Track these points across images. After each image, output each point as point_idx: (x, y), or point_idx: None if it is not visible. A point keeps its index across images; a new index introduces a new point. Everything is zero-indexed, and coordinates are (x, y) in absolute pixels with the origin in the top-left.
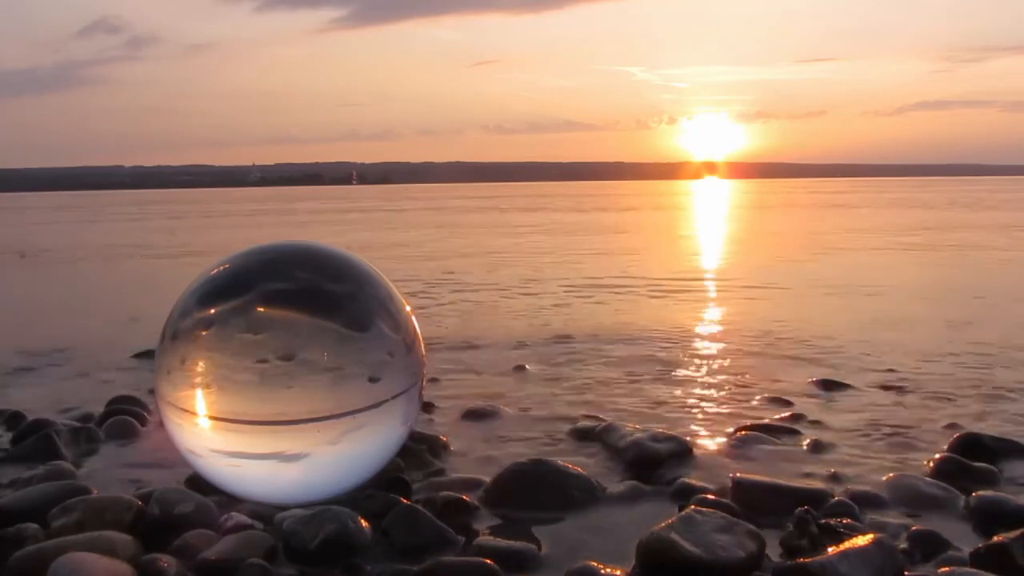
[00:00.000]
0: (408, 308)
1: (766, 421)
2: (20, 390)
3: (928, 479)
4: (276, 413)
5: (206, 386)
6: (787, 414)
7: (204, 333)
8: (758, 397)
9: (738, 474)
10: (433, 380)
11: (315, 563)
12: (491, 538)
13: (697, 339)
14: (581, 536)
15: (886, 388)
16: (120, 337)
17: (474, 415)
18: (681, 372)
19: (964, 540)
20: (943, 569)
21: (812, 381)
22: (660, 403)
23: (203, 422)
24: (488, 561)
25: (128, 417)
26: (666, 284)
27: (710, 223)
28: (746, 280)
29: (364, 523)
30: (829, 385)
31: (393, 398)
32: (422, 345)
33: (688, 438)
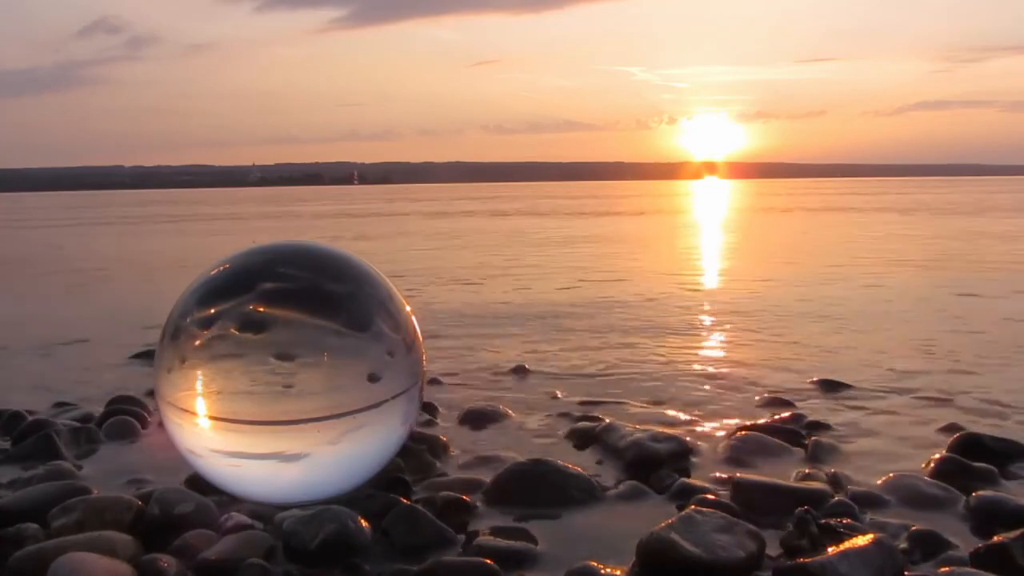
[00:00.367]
0: (408, 308)
1: (766, 421)
2: (20, 390)
3: (928, 479)
4: (276, 413)
5: (206, 386)
6: (787, 414)
7: (204, 333)
8: (758, 397)
9: (738, 474)
10: (433, 380)
11: (315, 563)
12: (491, 538)
13: (697, 339)
14: (581, 536)
15: (886, 388)
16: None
17: (474, 415)
18: (681, 372)
19: (964, 540)
20: (943, 569)
21: (812, 381)
22: (660, 403)
23: (203, 422)
24: (488, 561)
25: (128, 417)
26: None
27: (735, 234)
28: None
29: (364, 523)
30: (829, 385)
31: (393, 398)
32: (422, 345)
33: (688, 438)
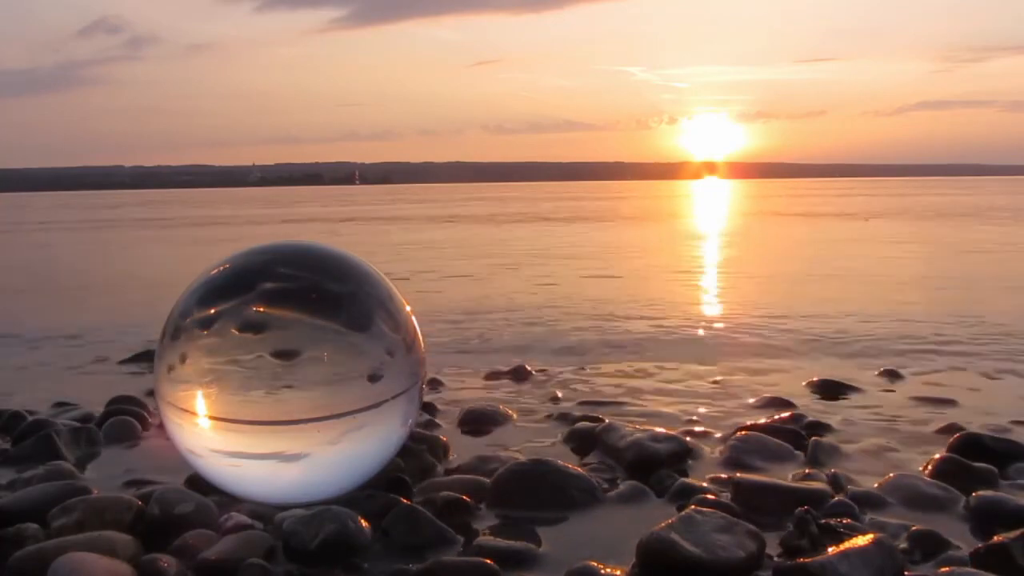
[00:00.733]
0: (408, 308)
1: (766, 421)
2: (20, 391)
3: (928, 479)
4: (276, 413)
5: (206, 386)
6: (787, 414)
7: (204, 332)
8: (758, 397)
9: (738, 474)
10: (433, 381)
11: (315, 563)
12: (491, 538)
13: (697, 339)
14: (581, 536)
15: (886, 388)
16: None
17: (474, 415)
18: (681, 372)
19: (964, 540)
20: (943, 569)
21: (812, 381)
22: (660, 403)
23: (203, 422)
24: (488, 561)
25: (128, 417)
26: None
27: (741, 243)
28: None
29: (364, 523)
30: (829, 385)
31: (393, 398)
32: (422, 345)
33: (688, 438)
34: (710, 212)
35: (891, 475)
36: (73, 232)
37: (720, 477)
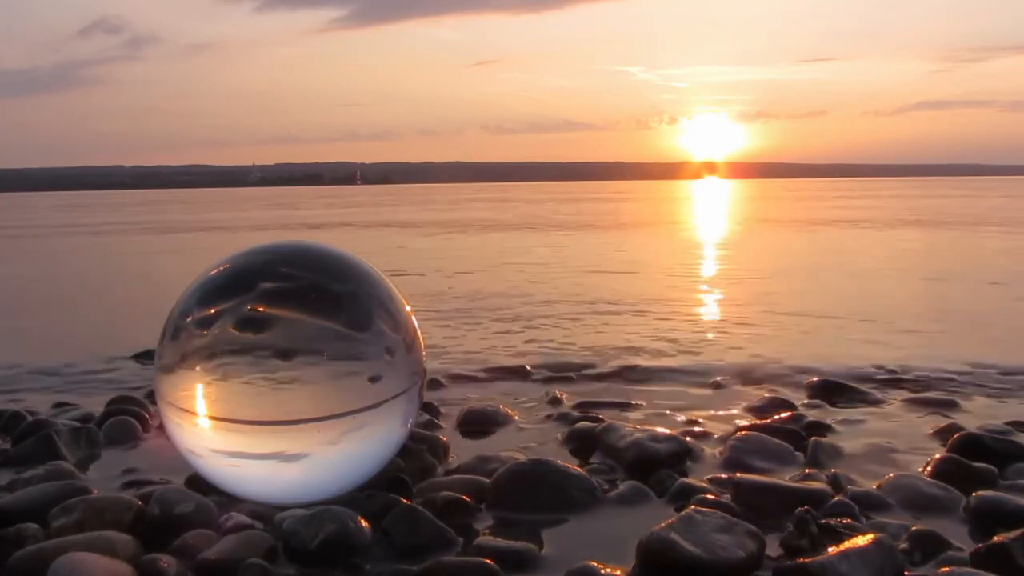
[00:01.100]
0: (408, 308)
1: (766, 421)
2: (20, 391)
3: (928, 479)
4: (276, 413)
5: (206, 386)
6: (787, 414)
7: (204, 332)
8: (758, 397)
9: (738, 474)
10: (433, 381)
11: (315, 563)
12: (491, 538)
13: (698, 339)
14: (581, 536)
15: (886, 388)
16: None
17: (474, 415)
18: (681, 373)
19: (964, 540)
20: (943, 569)
21: (812, 381)
22: (660, 403)
23: (203, 422)
24: (488, 561)
25: (128, 417)
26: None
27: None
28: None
29: (364, 523)
30: (829, 385)
31: (393, 398)
32: (422, 345)
33: (688, 438)
34: (710, 213)
35: (891, 475)
36: (82, 237)
37: (720, 477)
